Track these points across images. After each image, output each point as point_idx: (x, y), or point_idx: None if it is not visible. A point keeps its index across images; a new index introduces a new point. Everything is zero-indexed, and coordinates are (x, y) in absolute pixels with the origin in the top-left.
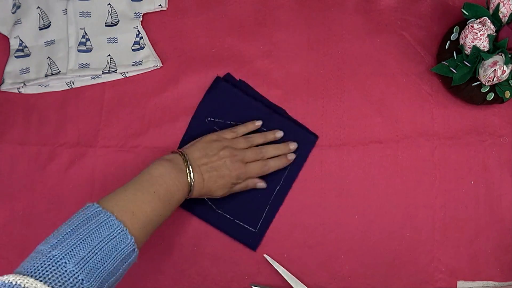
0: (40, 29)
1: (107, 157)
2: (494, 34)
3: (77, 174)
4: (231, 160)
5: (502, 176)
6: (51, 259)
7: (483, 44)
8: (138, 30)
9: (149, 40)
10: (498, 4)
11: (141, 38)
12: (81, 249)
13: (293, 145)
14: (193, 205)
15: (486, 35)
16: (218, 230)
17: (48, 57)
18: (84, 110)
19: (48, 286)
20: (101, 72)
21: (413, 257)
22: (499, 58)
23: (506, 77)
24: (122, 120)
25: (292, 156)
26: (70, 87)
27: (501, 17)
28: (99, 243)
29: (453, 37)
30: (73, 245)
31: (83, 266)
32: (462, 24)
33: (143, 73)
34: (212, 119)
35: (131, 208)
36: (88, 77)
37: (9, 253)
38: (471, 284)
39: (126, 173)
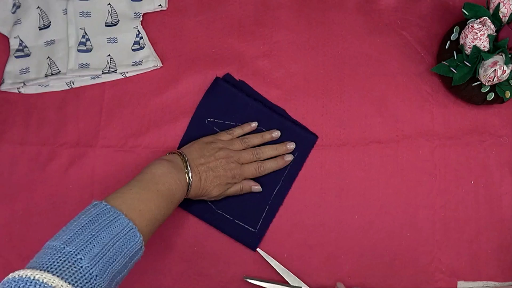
0: (40, 29)
1: (107, 157)
2: (494, 34)
3: (77, 174)
4: (226, 161)
5: (502, 176)
6: (66, 254)
7: (483, 44)
8: (138, 30)
9: (149, 40)
10: (498, 4)
11: (141, 38)
12: (94, 245)
13: (291, 145)
14: (193, 205)
15: (486, 35)
16: (218, 230)
17: (48, 57)
18: (84, 110)
19: (65, 281)
20: (101, 72)
21: (413, 257)
22: (499, 58)
23: (506, 77)
24: (122, 120)
25: (289, 157)
26: (70, 87)
27: (501, 17)
28: (111, 240)
29: (453, 37)
30: (86, 241)
31: (97, 262)
32: (462, 24)
33: (143, 73)
34: (212, 119)
35: (138, 206)
36: (88, 77)
37: (9, 253)
38: (471, 284)
39: (126, 173)
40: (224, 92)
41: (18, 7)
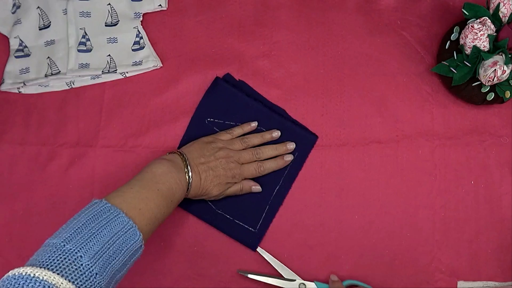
0: (40, 29)
1: (107, 157)
2: (494, 34)
3: (77, 174)
4: (226, 161)
5: (502, 176)
6: (66, 252)
7: (483, 44)
8: (138, 30)
9: (149, 40)
10: (498, 4)
11: (141, 38)
12: (94, 243)
13: (291, 145)
14: (193, 205)
15: (486, 35)
16: (218, 230)
17: (48, 57)
18: (84, 110)
19: (65, 279)
20: (101, 72)
21: (413, 257)
22: (499, 58)
23: (506, 77)
24: (122, 120)
25: (289, 157)
26: (70, 87)
27: (501, 17)
28: (111, 238)
29: (453, 37)
30: (86, 239)
31: (97, 260)
32: (462, 24)
33: (143, 73)
34: (212, 119)
35: (138, 205)
36: (88, 77)
37: (9, 253)
38: (471, 284)
39: (126, 173)
40: (224, 92)
41: (18, 7)
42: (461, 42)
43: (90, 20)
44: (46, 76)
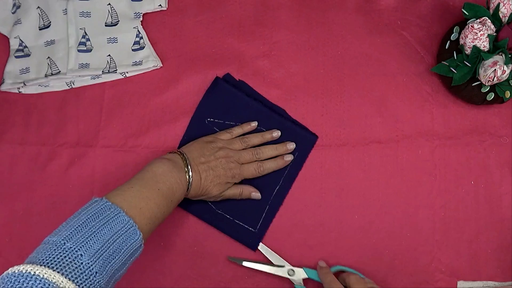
0: (40, 29)
1: (107, 157)
2: (494, 34)
3: (77, 174)
4: (226, 161)
5: (502, 176)
6: (66, 250)
7: (483, 44)
8: (138, 30)
9: (149, 40)
10: (498, 4)
11: (141, 38)
12: (94, 242)
13: (291, 145)
14: (193, 205)
15: (486, 35)
16: (218, 230)
17: (48, 57)
18: (84, 110)
19: (65, 277)
20: (101, 72)
21: (413, 257)
22: (499, 58)
23: (506, 77)
24: (122, 120)
25: (289, 157)
26: (70, 87)
27: (501, 17)
28: (111, 237)
29: (453, 37)
30: (87, 237)
31: (97, 259)
32: (462, 24)
33: (143, 73)
34: (212, 119)
35: (139, 204)
36: (88, 77)
37: (9, 253)
38: (471, 284)
39: (126, 173)
40: (224, 92)
41: (18, 7)
42: (461, 42)
43: (90, 20)
44: (46, 76)
